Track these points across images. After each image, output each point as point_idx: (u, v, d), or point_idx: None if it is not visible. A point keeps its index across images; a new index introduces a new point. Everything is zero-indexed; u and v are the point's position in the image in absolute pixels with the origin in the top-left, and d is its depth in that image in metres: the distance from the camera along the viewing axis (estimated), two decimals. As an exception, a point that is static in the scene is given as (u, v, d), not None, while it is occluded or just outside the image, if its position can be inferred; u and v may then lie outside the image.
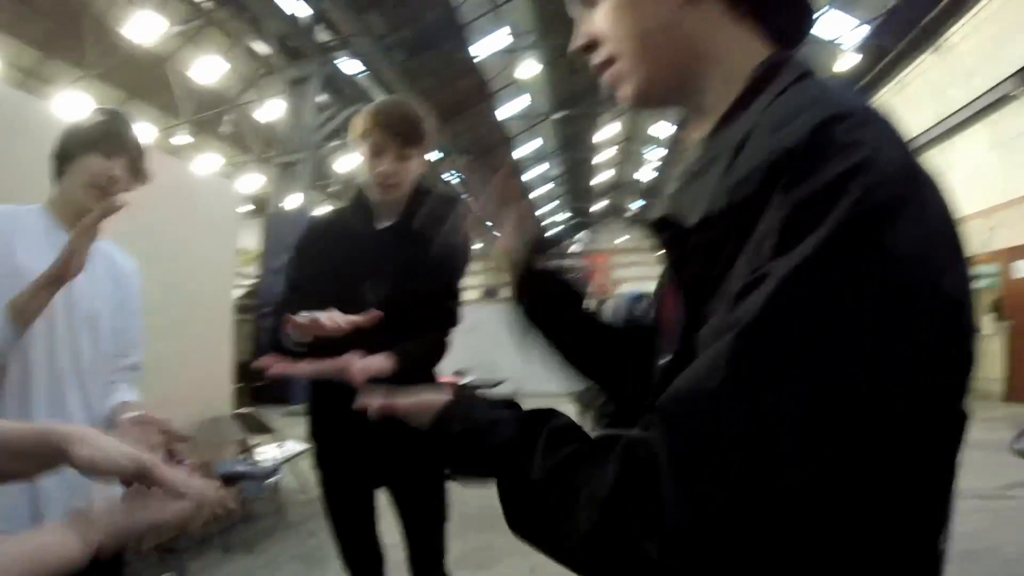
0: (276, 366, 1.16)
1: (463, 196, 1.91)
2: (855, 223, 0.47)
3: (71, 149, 1.56)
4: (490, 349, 8.30)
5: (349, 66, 12.70)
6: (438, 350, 1.90)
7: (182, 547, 3.74)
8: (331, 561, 3.70)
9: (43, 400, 1.50)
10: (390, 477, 1.95)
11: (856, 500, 0.49)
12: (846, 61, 12.69)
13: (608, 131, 21.76)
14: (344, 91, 12.60)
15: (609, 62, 0.73)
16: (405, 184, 1.85)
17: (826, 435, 0.47)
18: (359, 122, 1.83)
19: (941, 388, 0.51)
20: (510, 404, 0.74)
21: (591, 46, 0.75)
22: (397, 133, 1.79)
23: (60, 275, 1.37)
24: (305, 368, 1.14)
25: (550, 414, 0.67)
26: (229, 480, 4.05)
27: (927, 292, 0.48)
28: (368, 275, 1.78)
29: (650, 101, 0.76)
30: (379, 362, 1.60)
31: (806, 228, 0.48)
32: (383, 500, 2.01)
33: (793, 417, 0.47)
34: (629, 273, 12.52)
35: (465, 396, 0.80)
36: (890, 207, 0.48)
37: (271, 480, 4.35)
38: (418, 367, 1.80)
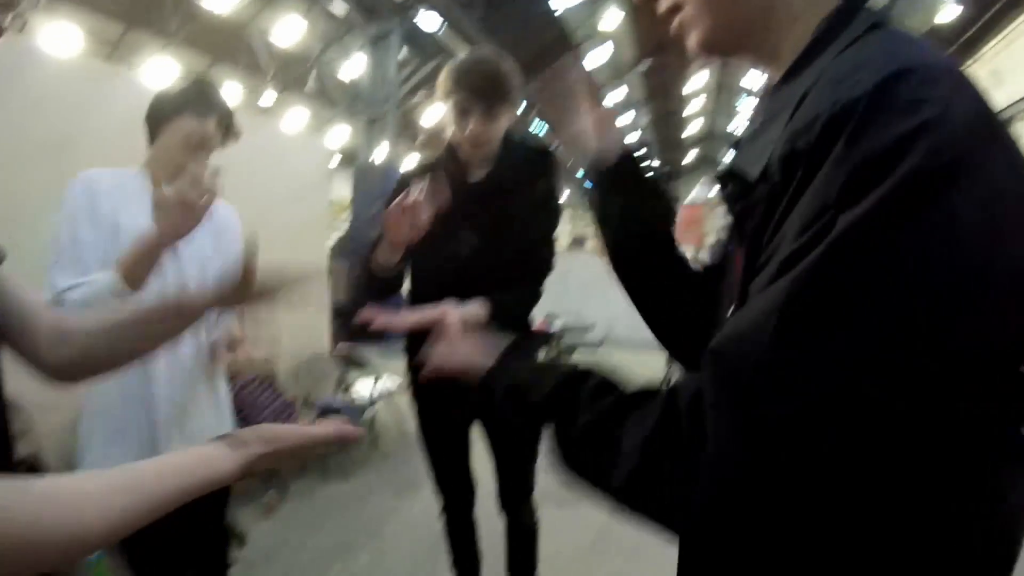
0: (377, 319, 1.22)
1: (552, 147, 1.86)
2: (917, 183, 0.46)
3: (164, 112, 1.65)
4: (579, 296, 8.34)
5: (429, 21, 12.69)
6: (531, 299, 1.92)
7: (284, 471, 4.02)
8: (422, 489, 3.94)
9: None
10: (484, 412, 2.01)
11: (898, 454, 0.50)
12: (947, 12, 11.62)
13: (697, 81, 20.93)
14: (425, 46, 12.63)
15: (676, 9, 0.72)
16: (494, 141, 1.84)
17: (870, 386, 0.47)
18: (443, 82, 1.80)
19: (999, 352, 0.49)
20: (552, 364, 0.75)
21: None
22: (483, 94, 1.75)
23: (172, 234, 1.43)
24: (404, 320, 1.19)
25: (588, 372, 0.69)
26: (327, 413, 4.30)
27: (989, 257, 0.47)
28: (461, 225, 1.81)
29: (716, 50, 0.73)
30: (474, 310, 1.65)
31: (867, 186, 0.47)
32: (476, 434, 2.10)
33: (839, 365, 0.47)
34: (722, 225, 12.17)
35: (509, 356, 0.81)
36: (955, 169, 0.47)
37: (367, 414, 4.57)
38: (511, 315, 1.83)
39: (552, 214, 1.95)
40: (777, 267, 0.52)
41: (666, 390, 0.59)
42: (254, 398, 3.59)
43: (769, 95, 0.69)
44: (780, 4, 0.66)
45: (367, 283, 1.79)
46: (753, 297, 0.54)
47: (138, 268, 1.44)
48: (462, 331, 1.06)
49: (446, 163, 1.91)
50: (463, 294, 1.67)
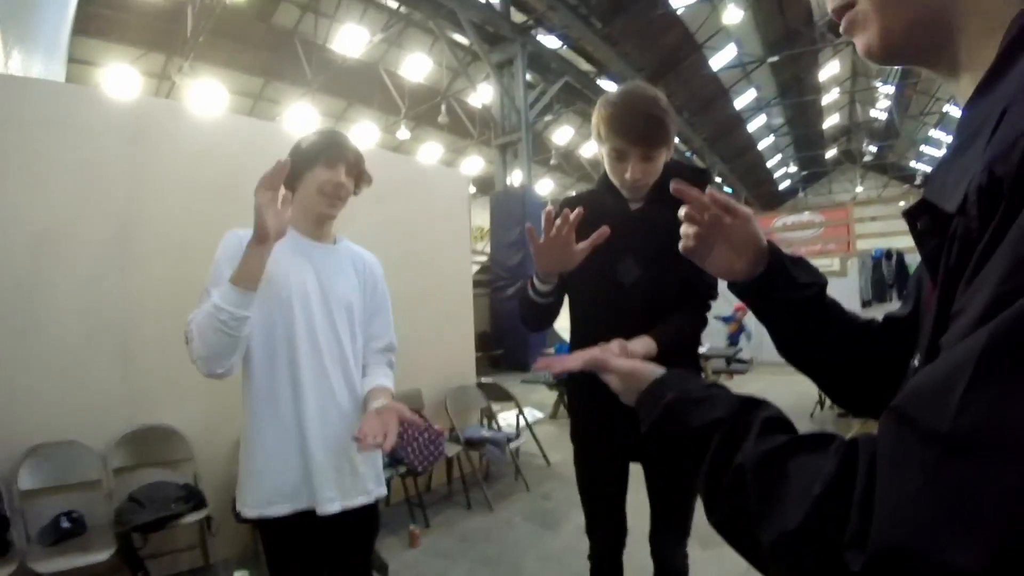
0: (546, 364, 1.24)
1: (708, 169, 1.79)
2: None
3: (298, 168, 1.73)
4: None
5: (550, 41, 12.85)
6: (697, 326, 1.85)
7: (428, 502, 4.11)
8: (563, 524, 3.91)
9: (311, 385, 1.70)
10: (644, 452, 1.93)
11: None
12: None
13: (831, 68, 19.64)
14: (550, 65, 12.78)
15: (848, 6, 0.63)
16: (652, 181, 1.78)
17: None
18: (597, 125, 1.75)
19: None
20: (721, 387, 0.70)
21: None
22: (640, 142, 1.70)
23: (260, 235, 1.53)
24: (575, 361, 1.18)
25: (764, 403, 0.64)
26: (473, 444, 4.37)
27: None
28: (623, 255, 1.78)
29: (892, 56, 0.63)
30: (642, 347, 1.61)
31: None
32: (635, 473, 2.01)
33: None
34: (871, 228, 11.12)
35: (681, 371, 0.77)
36: None
37: (511, 445, 4.58)
38: (679, 345, 1.79)
39: None
40: (976, 316, 0.43)
41: (844, 439, 0.52)
42: (403, 429, 3.70)
43: (964, 112, 0.58)
44: (967, 12, 0.57)
45: (524, 308, 1.79)
46: (945, 350, 0.46)
47: (245, 267, 1.55)
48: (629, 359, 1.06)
49: (603, 193, 1.87)
50: (624, 325, 1.64)
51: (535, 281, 1.70)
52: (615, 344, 1.43)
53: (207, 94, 11.82)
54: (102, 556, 2.55)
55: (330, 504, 1.71)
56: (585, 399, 1.97)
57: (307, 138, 1.78)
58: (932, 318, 0.55)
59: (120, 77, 11.16)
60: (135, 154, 3.11)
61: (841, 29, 0.65)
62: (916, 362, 0.61)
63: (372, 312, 1.89)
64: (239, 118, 3.96)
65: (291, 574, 1.76)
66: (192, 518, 2.86)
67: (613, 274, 1.79)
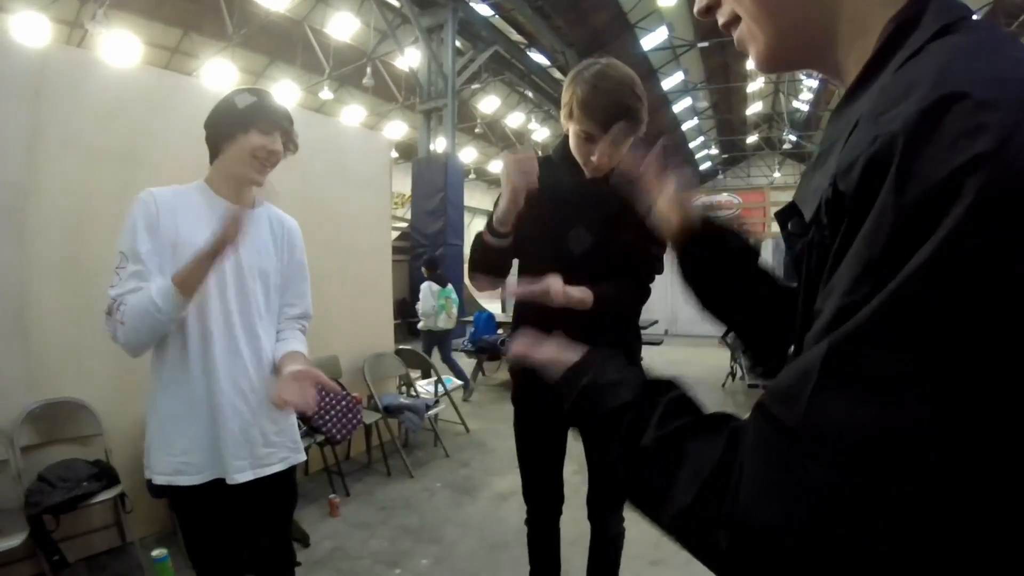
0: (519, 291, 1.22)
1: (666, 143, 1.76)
2: (969, 232, 0.39)
3: (229, 129, 1.65)
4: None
5: (482, 9, 12.66)
6: (639, 295, 1.87)
7: (347, 471, 4.09)
8: (483, 491, 3.97)
9: (222, 353, 1.65)
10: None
11: (946, 519, 0.42)
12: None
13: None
14: (480, 33, 12.60)
15: (735, 21, 0.65)
16: (615, 163, 1.73)
17: (914, 459, 0.41)
18: (570, 102, 1.70)
19: None
20: (638, 369, 0.72)
21: (712, 7, 0.67)
22: (612, 127, 1.66)
23: (218, 248, 1.50)
24: (514, 290, 1.17)
25: (671, 384, 0.66)
26: (392, 412, 4.34)
27: None
28: (575, 224, 1.77)
29: (780, 63, 0.65)
30: (579, 293, 1.63)
31: (914, 241, 0.41)
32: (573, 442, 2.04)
33: (880, 433, 0.42)
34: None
35: (599, 354, 0.79)
36: (1017, 212, 0.38)
37: (430, 412, 4.58)
38: (617, 309, 1.80)
39: None
40: (824, 324, 0.48)
41: (737, 422, 0.56)
42: (319, 398, 3.63)
43: (831, 117, 0.61)
44: (846, 17, 0.58)
45: (480, 259, 1.75)
46: (807, 349, 0.49)
47: (192, 278, 1.51)
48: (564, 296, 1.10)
49: (561, 159, 1.84)
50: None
51: (492, 225, 1.67)
52: (552, 279, 1.51)
53: (120, 45, 11.00)
54: (15, 541, 2.39)
55: (240, 474, 1.67)
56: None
57: (241, 97, 1.67)
58: (799, 315, 0.59)
59: (28, 25, 10.19)
60: (37, 110, 2.80)
61: (736, 45, 0.67)
62: (791, 351, 0.66)
63: (288, 278, 1.84)
64: (153, 71, 3.61)
65: (207, 546, 1.71)
66: (105, 496, 2.72)
67: (564, 243, 1.78)
